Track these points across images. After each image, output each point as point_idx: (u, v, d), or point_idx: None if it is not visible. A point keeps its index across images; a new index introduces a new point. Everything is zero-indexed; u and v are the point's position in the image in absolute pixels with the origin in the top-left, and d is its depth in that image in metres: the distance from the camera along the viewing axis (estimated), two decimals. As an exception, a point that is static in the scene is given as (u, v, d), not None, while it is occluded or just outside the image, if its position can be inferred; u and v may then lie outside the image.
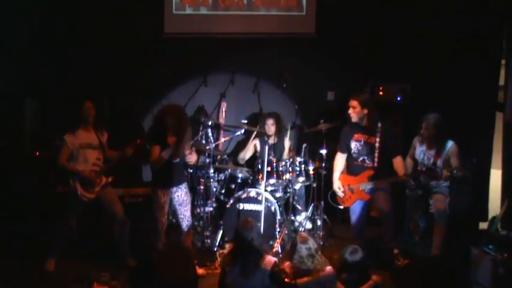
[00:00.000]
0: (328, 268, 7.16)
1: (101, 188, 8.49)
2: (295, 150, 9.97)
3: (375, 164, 8.56)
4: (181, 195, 8.47)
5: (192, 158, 8.66)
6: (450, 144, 8.77)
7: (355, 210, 8.81)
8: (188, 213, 8.56)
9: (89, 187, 8.42)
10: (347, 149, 8.76)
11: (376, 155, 8.52)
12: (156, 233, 8.44)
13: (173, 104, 9.25)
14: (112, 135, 8.70)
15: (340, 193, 8.79)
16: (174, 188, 8.45)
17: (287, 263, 7.29)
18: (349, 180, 8.72)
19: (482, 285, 8.03)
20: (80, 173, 8.36)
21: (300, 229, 9.62)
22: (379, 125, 8.52)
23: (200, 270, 8.43)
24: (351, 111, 8.52)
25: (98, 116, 8.50)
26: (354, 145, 8.67)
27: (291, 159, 9.39)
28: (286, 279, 6.95)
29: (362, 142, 8.61)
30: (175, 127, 8.25)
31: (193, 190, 10.12)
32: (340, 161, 8.86)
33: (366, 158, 8.61)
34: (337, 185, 8.80)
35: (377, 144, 8.52)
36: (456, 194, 9.09)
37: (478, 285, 8.07)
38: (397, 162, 8.54)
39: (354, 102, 8.49)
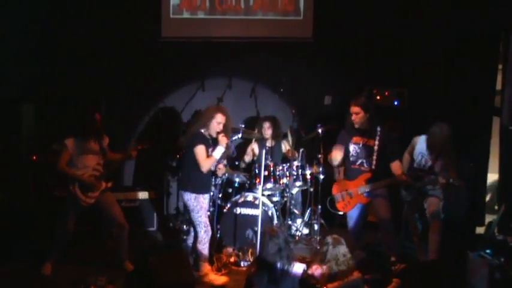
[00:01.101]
0: (356, 272, 7.15)
1: (100, 192, 8.49)
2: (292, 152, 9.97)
3: (373, 167, 8.56)
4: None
5: (221, 169, 8.77)
6: (450, 151, 8.77)
7: (352, 215, 8.80)
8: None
9: (88, 192, 8.41)
10: (343, 149, 8.75)
11: (374, 157, 8.51)
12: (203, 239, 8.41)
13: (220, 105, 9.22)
14: (109, 139, 8.69)
15: (339, 156, 8.72)
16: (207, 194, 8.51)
17: (315, 268, 7.25)
18: (347, 185, 8.71)
19: (479, 289, 8.05)
20: (79, 178, 8.35)
21: (298, 234, 9.62)
22: (378, 128, 8.53)
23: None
24: (354, 117, 8.48)
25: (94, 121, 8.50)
26: (352, 148, 8.66)
27: (288, 164, 9.39)
28: (317, 285, 6.94)
29: (360, 145, 8.61)
30: (226, 127, 8.31)
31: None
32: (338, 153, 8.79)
33: (363, 161, 8.60)
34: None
35: (375, 147, 8.51)
36: (453, 199, 9.10)
37: (475, 290, 8.09)
38: (395, 166, 8.52)
39: (356, 109, 8.46)
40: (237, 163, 10.20)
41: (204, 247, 8.35)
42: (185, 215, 10.14)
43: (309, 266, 7.34)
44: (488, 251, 8.14)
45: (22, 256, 8.90)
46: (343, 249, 7.22)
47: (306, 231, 9.85)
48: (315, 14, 10.63)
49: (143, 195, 10.04)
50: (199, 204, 8.27)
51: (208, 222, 8.34)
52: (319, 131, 9.52)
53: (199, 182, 8.31)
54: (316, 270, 7.17)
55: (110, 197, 8.65)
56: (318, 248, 9.06)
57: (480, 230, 9.84)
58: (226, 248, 9.16)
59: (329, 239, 7.31)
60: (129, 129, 10.15)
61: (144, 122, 10.39)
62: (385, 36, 10.52)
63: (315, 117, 10.34)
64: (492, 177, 10.28)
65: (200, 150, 8.15)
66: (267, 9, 10.58)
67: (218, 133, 8.23)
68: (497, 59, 10.16)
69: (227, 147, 8.36)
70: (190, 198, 8.26)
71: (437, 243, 8.70)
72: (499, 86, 10.14)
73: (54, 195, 9.39)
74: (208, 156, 8.19)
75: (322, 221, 9.77)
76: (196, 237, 8.43)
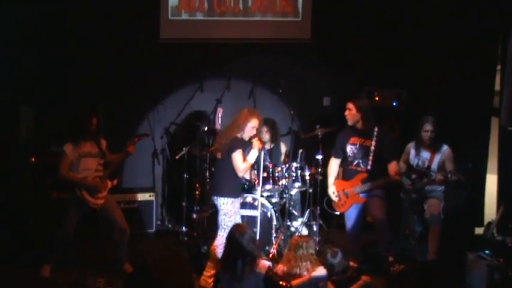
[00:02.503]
0: (320, 268, 7.17)
1: (108, 192, 8.50)
2: (291, 156, 9.96)
3: (369, 167, 8.58)
4: None
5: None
6: (445, 148, 8.83)
7: (350, 216, 8.82)
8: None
9: (96, 194, 8.42)
10: (342, 154, 8.80)
11: (371, 158, 8.54)
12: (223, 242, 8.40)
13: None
14: (107, 141, 8.69)
15: (334, 198, 8.81)
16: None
17: (279, 266, 7.29)
18: (344, 185, 8.75)
19: (478, 290, 8.05)
20: (84, 183, 8.35)
21: (296, 234, 9.63)
22: (376, 129, 8.55)
23: None
24: (346, 113, 8.60)
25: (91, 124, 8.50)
26: (349, 148, 8.69)
27: (287, 165, 9.39)
28: (281, 282, 6.95)
29: (357, 145, 8.64)
30: (259, 131, 8.44)
31: (189, 196, 10.15)
32: (334, 166, 8.91)
33: (360, 161, 8.62)
34: (332, 190, 8.83)
35: (372, 148, 8.54)
36: (451, 199, 9.11)
37: (474, 290, 8.09)
38: (392, 167, 8.55)
39: (350, 105, 8.57)
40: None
41: (220, 251, 8.30)
42: (184, 216, 10.18)
43: (274, 264, 7.38)
44: (487, 251, 8.14)
45: (21, 258, 8.89)
46: (311, 246, 7.25)
47: (305, 232, 9.84)
48: (313, 15, 10.62)
49: (142, 196, 10.03)
50: (234, 209, 8.31)
51: None
52: (319, 132, 9.52)
53: (237, 186, 8.41)
54: (280, 267, 7.21)
55: (112, 200, 8.67)
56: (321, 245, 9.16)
57: (479, 230, 9.83)
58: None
59: (328, 251, 7.33)
60: (127, 130, 10.12)
61: (143, 124, 10.36)
62: (384, 37, 10.53)
63: (314, 119, 10.34)
64: (491, 178, 10.27)
65: (238, 155, 8.20)
66: (265, 10, 10.57)
67: (251, 137, 8.28)
68: (495, 60, 10.16)
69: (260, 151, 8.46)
70: (227, 202, 8.29)
71: (437, 244, 8.72)
72: (497, 87, 10.13)
73: (53, 197, 9.39)
74: (244, 160, 8.26)
75: (321, 222, 9.76)
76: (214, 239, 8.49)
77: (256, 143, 8.29)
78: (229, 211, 8.27)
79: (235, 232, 6.95)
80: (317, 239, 9.56)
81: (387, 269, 8.55)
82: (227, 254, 6.97)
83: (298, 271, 7.16)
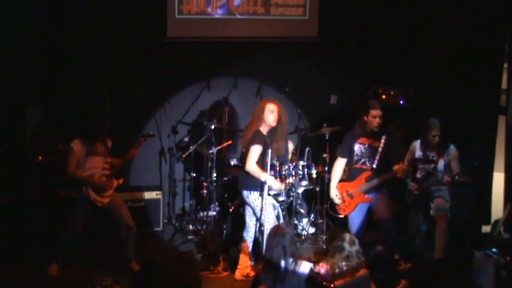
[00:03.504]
0: (363, 269, 7.15)
1: (113, 190, 8.52)
2: (298, 154, 9.95)
3: (374, 166, 8.58)
4: None
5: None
6: (451, 148, 8.79)
7: (354, 219, 8.77)
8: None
9: (102, 192, 8.43)
10: (348, 154, 8.76)
11: (377, 157, 8.54)
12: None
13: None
14: (114, 140, 8.69)
15: (337, 201, 8.79)
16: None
17: (321, 265, 7.25)
18: (347, 186, 8.73)
19: (485, 288, 8.04)
20: (91, 182, 8.36)
21: (304, 233, 9.63)
22: (385, 131, 8.58)
23: None
24: (378, 121, 8.51)
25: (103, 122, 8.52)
26: (357, 147, 8.68)
27: (294, 163, 9.39)
28: (324, 283, 6.94)
29: (366, 145, 8.63)
30: (280, 121, 8.47)
31: (196, 194, 10.16)
32: (339, 167, 8.87)
33: (366, 160, 8.62)
34: (334, 193, 8.80)
35: (380, 149, 8.54)
36: (458, 198, 9.10)
37: (481, 289, 8.08)
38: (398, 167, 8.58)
39: (380, 112, 8.52)
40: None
41: (249, 239, 8.53)
42: (191, 214, 10.20)
43: (315, 264, 7.35)
44: (494, 249, 8.13)
45: (28, 257, 8.91)
46: (357, 247, 7.20)
47: (312, 230, 9.84)
48: (320, 13, 10.62)
49: (149, 195, 10.04)
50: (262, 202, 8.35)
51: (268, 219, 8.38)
52: (325, 131, 9.53)
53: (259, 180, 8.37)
54: (322, 267, 7.16)
55: (118, 198, 8.67)
56: (328, 244, 9.15)
57: (486, 228, 9.83)
58: (233, 247, 9.15)
59: (346, 237, 7.25)
60: (134, 129, 10.14)
61: (150, 123, 10.37)
62: (391, 36, 10.52)
63: (321, 117, 10.34)
64: (498, 176, 10.26)
65: (255, 150, 8.27)
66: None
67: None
68: (502, 58, 10.15)
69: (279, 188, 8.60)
70: (256, 197, 8.37)
71: (444, 242, 8.71)
72: (504, 85, 10.13)
73: (60, 196, 9.41)
74: (260, 167, 8.28)
75: (328, 221, 9.76)
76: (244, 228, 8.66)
77: (277, 184, 8.48)
78: (259, 204, 8.33)
79: (277, 233, 6.94)
80: (324, 237, 9.56)
81: (393, 267, 8.54)
82: (269, 255, 6.95)
83: (340, 271, 7.12)
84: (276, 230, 7.04)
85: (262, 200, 8.29)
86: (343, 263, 7.04)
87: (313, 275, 6.91)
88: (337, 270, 7.04)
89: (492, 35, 9.99)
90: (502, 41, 10.08)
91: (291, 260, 6.82)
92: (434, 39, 10.22)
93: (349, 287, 7.00)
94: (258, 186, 8.33)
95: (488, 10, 9.86)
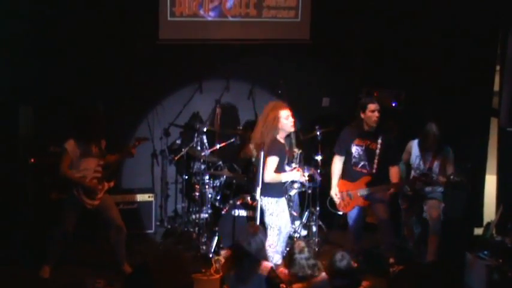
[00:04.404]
0: (323, 274, 7.15)
1: (104, 193, 8.50)
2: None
3: (373, 170, 8.59)
4: None
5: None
6: (446, 150, 8.81)
7: (353, 215, 8.84)
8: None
9: (93, 195, 8.41)
10: (345, 152, 8.77)
11: (376, 161, 8.56)
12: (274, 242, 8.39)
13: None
14: (106, 141, 8.68)
15: (337, 199, 8.80)
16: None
17: (282, 269, 7.28)
18: (347, 186, 8.74)
19: (477, 290, 8.06)
20: (82, 183, 8.35)
21: (296, 235, 9.62)
22: (381, 132, 8.60)
23: None
24: (377, 114, 8.54)
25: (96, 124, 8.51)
26: (354, 149, 8.69)
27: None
28: (282, 285, 6.95)
29: (363, 147, 8.65)
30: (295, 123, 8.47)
31: (188, 197, 10.15)
32: (337, 164, 8.87)
33: (365, 163, 8.64)
34: (335, 191, 8.81)
35: (377, 151, 8.56)
36: (451, 200, 9.12)
37: (473, 291, 8.10)
38: (394, 170, 8.64)
39: (378, 106, 8.57)
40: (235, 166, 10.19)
41: (274, 251, 8.31)
42: (183, 217, 10.18)
43: (277, 266, 7.38)
44: (486, 252, 8.16)
45: (20, 259, 8.90)
46: (307, 254, 7.18)
47: (304, 232, 9.84)
48: (312, 16, 10.62)
49: (141, 197, 10.02)
50: (280, 208, 8.30)
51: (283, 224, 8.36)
52: (318, 133, 9.53)
53: (280, 185, 8.34)
54: (282, 272, 7.20)
55: (109, 199, 8.66)
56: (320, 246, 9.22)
57: (478, 231, 9.84)
58: (225, 250, 9.14)
59: (295, 246, 7.27)
60: (126, 131, 10.13)
61: (142, 125, 10.35)
62: (383, 38, 10.53)
63: (313, 119, 10.34)
64: (490, 178, 10.28)
65: (272, 161, 8.15)
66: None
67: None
68: (494, 60, 10.16)
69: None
70: (271, 202, 8.27)
71: (436, 246, 8.73)
72: (496, 88, 10.14)
73: (52, 198, 9.38)
74: (278, 170, 8.20)
75: (320, 223, 9.76)
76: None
77: (298, 175, 8.36)
78: (275, 210, 8.27)
79: (247, 232, 6.95)
80: (316, 239, 9.56)
81: (387, 270, 8.56)
82: (233, 254, 6.96)
83: (300, 275, 7.13)
84: (249, 228, 7.06)
85: (276, 206, 8.27)
86: (297, 270, 7.06)
87: (273, 276, 6.91)
88: (297, 274, 7.07)
89: (485, 37, 9.99)
90: (494, 43, 10.09)
91: (253, 260, 6.84)
92: (427, 41, 10.22)
93: None
94: (275, 192, 8.28)
95: (481, 12, 9.86)
